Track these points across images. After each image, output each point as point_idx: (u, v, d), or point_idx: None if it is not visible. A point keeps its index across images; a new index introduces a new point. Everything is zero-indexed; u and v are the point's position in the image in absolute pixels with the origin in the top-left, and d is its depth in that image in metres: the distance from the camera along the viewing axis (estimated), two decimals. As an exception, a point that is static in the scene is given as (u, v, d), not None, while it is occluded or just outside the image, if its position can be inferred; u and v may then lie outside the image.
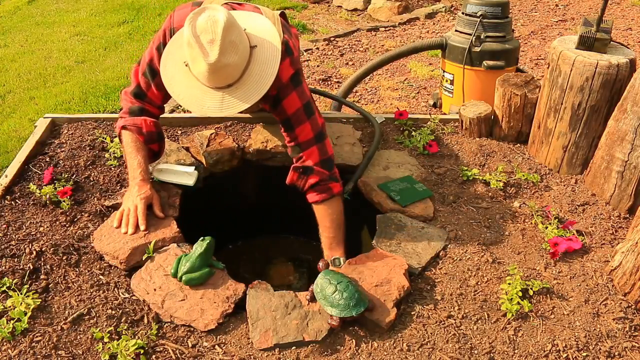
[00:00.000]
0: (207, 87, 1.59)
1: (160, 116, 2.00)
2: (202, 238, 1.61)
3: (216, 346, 1.40)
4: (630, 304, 1.53)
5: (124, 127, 1.85)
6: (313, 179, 1.80)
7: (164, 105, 1.98)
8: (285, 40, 1.73)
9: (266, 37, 1.66)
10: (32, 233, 1.71)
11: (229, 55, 1.52)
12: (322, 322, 1.44)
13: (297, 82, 1.78)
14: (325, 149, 1.83)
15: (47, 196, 1.82)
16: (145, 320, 1.45)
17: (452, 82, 3.55)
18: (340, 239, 1.77)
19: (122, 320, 1.44)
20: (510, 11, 4.43)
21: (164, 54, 1.69)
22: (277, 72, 1.61)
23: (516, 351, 1.40)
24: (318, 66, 5.04)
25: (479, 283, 1.59)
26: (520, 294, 1.52)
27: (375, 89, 4.60)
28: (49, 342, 1.36)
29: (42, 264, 1.59)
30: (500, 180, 2.00)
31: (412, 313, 1.50)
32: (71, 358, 1.34)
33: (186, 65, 1.60)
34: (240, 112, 2.40)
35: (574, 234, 1.75)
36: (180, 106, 4.13)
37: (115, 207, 1.82)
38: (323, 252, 1.76)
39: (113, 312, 1.46)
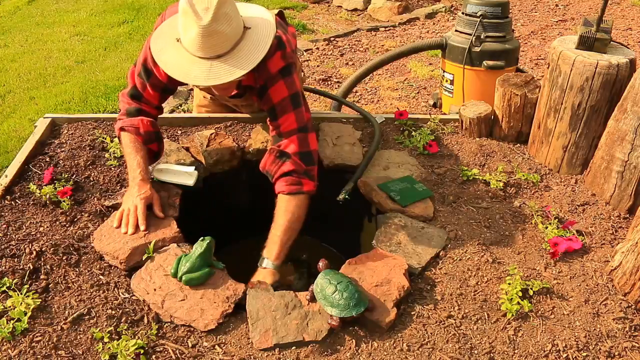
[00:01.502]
0: (195, 58, 1.59)
1: (160, 116, 2.00)
2: (202, 238, 1.61)
3: (216, 346, 1.40)
4: (630, 304, 1.53)
5: (122, 129, 1.86)
6: (287, 166, 1.73)
7: (162, 106, 1.98)
8: (278, 35, 1.74)
9: (261, 21, 1.68)
10: (32, 233, 1.71)
11: (221, 24, 1.54)
12: (322, 322, 1.44)
13: (286, 74, 1.76)
14: (307, 142, 1.78)
15: (47, 196, 1.82)
16: (145, 320, 1.45)
17: (452, 82, 3.55)
18: (285, 243, 1.67)
19: (122, 320, 1.44)
20: (510, 11, 4.42)
21: (156, 32, 1.70)
22: (268, 48, 1.61)
23: (516, 351, 1.40)
24: (318, 66, 5.04)
25: (479, 283, 1.59)
26: (520, 294, 1.52)
27: (375, 89, 4.60)
28: (49, 342, 1.36)
29: (42, 264, 1.59)
30: (500, 180, 2.00)
31: (412, 313, 1.50)
32: (71, 358, 1.34)
33: (178, 41, 1.61)
34: (240, 113, 2.40)
35: (574, 234, 1.75)
36: (180, 106, 4.14)
37: (115, 207, 1.82)
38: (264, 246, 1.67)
39: (113, 312, 1.46)
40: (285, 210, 1.71)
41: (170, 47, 1.64)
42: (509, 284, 1.55)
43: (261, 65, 1.68)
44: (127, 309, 1.48)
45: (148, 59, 1.81)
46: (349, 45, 5.61)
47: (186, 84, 2.17)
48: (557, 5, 6.82)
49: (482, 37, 3.30)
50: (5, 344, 1.35)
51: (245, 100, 2.22)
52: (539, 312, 1.50)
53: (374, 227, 1.81)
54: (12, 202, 1.83)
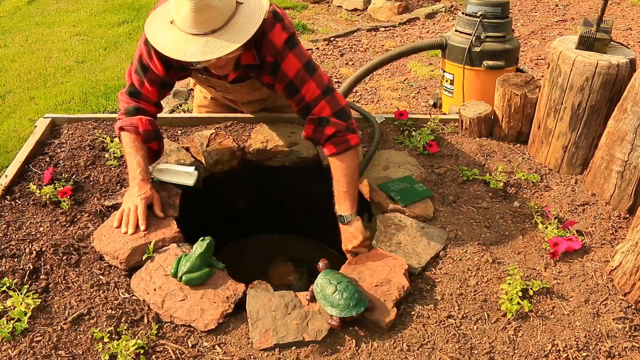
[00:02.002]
0: (190, 35, 1.58)
1: (161, 116, 2.00)
2: (202, 238, 1.61)
3: (216, 346, 1.40)
4: (630, 304, 1.53)
5: (121, 128, 1.86)
6: (329, 130, 1.77)
7: (162, 104, 1.98)
8: (272, 8, 1.74)
9: None
10: (32, 233, 1.70)
11: None
12: (322, 322, 1.44)
13: (292, 44, 1.77)
14: (337, 101, 1.81)
15: (47, 196, 1.82)
16: (145, 320, 1.45)
17: (452, 82, 3.55)
18: (353, 194, 1.75)
19: (122, 320, 1.44)
20: (510, 11, 4.42)
21: (149, 18, 1.70)
22: (261, 20, 1.61)
23: (516, 351, 1.40)
24: (318, 66, 5.03)
25: (479, 283, 1.59)
26: (520, 294, 1.52)
27: (375, 89, 4.60)
28: (49, 342, 1.36)
29: (42, 264, 1.59)
30: (500, 180, 2.00)
31: (412, 313, 1.50)
32: (71, 358, 1.34)
33: (172, 23, 1.61)
34: (241, 112, 2.40)
35: (574, 234, 1.75)
36: (180, 106, 4.14)
37: (115, 207, 1.82)
38: (335, 205, 1.76)
39: (113, 312, 1.46)
40: (342, 167, 1.76)
41: (164, 29, 1.63)
42: (509, 284, 1.55)
43: (264, 41, 1.68)
44: (127, 309, 1.48)
45: (144, 55, 1.81)
46: (349, 45, 5.61)
47: (185, 79, 2.16)
48: (557, 5, 6.82)
49: (482, 37, 3.30)
50: (5, 344, 1.35)
51: (247, 92, 2.19)
52: (539, 312, 1.50)
53: (374, 227, 1.81)
54: (12, 202, 1.83)
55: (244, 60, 1.80)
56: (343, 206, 1.74)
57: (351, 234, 1.71)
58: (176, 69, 1.86)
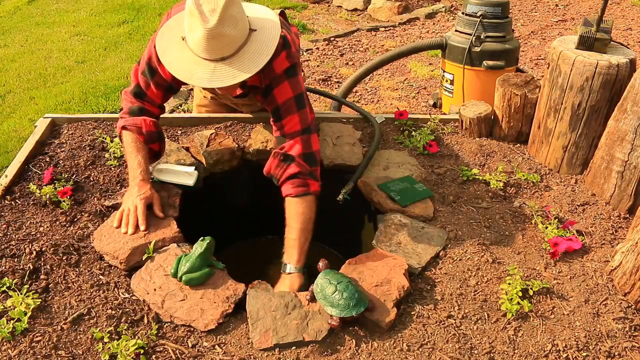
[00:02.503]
0: (200, 59, 1.58)
1: (161, 116, 2.00)
2: (202, 238, 1.61)
3: (216, 346, 1.40)
4: (630, 304, 1.53)
5: (124, 127, 1.85)
6: (292, 169, 1.74)
7: (165, 105, 1.98)
8: (283, 34, 1.74)
9: (267, 22, 1.68)
10: (32, 233, 1.70)
11: (227, 26, 1.53)
12: (322, 322, 1.44)
13: (291, 74, 1.76)
14: (310, 143, 1.78)
15: (47, 196, 1.82)
16: (145, 320, 1.45)
17: (452, 82, 3.55)
18: (302, 245, 1.68)
19: (122, 320, 1.44)
20: (510, 11, 4.42)
21: (162, 28, 1.69)
22: (272, 52, 1.61)
23: (516, 351, 1.40)
24: (318, 66, 5.04)
25: (479, 283, 1.59)
26: (520, 294, 1.52)
27: (375, 89, 4.60)
28: (49, 342, 1.36)
29: (42, 264, 1.59)
30: (500, 180, 2.00)
31: (412, 313, 1.50)
32: (71, 358, 1.34)
33: (183, 40, 1.61)
34: (241, 112, 2.40)
35: (574, 234, 1.75)
36: (180, 106, 4.14)
37: (115, 207, 1.82)
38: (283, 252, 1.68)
39: (113, 312, 1.46)
40: (297, 212, 1.71)
41: (175, 45, 1.63)
42: (509, 284, 1.55)
43: (267, 66, 1.68)
44: (127, 309, 1.48)
45: (153, 58, 1.80)
46: (349, 45, 5.61)
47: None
48: (557, 5, 6.82)
49: (482, 37, 3.30)
50: (5, 344, 1.35)
51: (248, 100, 2.21)
52: (539, 312, 1.50)
53: (374, 227, 1.81)
54: (12, 202, 1.83)
55: (250, 82, 1.79)
56: (289, 255, 1.67)
57: (285, 286, 1.63)
58: None
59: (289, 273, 1.66)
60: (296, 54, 1.82)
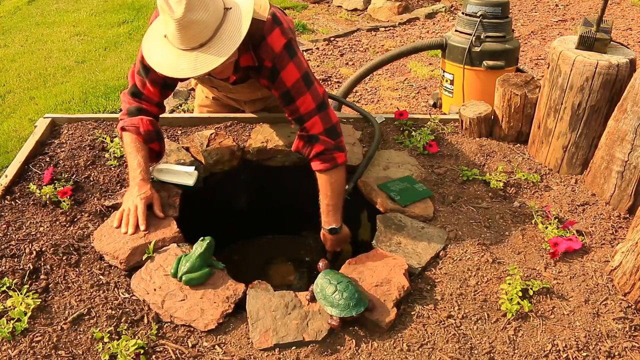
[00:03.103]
0: (181, 51, 1.58)
1: (161, 116, 2.00)
2: (202, 238, 1.61)
3: (216, 346, 1.40)
4: (630, 304, 1.53)
5: (123, 128, 1.86)
6: (318, 147, 1.80)
7: (164, 104, 1.98)
8: (272, 11, 1.72)
9: (242, 0, 1.65)
10: (32, 233, 1.70)
11: (197, 12, 1.52)
12: (322, 322, 1.44)
13: (292, 52, 1.76)
14: (329, 118, 1.82)
15: (47, 196, 1.82)
16: (145, 320, 1.45)
17: (452, 82, 3.55)
18: (339, 207, 1.84)
19: (122, 320, 1.44)
20: (510, 11, 4.42)
21: (146, 33, 1.70)
22: (247, 28, 1.58)
23: (516, 351, 1.40)
24: (318, 66, 5.04)
25: (479, 283, 1.59)
26: (520, 294, 1.52)
27: (375, 89, 4.60)
28: (49, 342, 1.36)
29: (42, 264, 1.59)
30: (500, 180, 2.00)
31: (412, 313, 1.50)
32: (71, 358, 1.34)
33: (165, 37, 1.60)
34: (244, 111, 2.40)
35: (574, 234, 1.75)
36: (180, 106, 4.14)
37: (115, 207, 1.82)
38: (321, 218, 1.85)
39: (113, 312, 1.46)
40: (327, 183, 1.82)
41: (158, 44, 1.63)
42: (509, 284, 1.55)
43: (262, 44, 1.67)
44: (127, 309, 1.47)
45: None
46: (349, 45, 5.60)
47: (187, 80, 2.17)
48: (557, 5, 6.82)
49: (482, 37, 3.30)
50: (5, 344, 1.35)
51: (248, 88, 2.18)
52: (539, 312, 1.50)
53: (374, 227, 1.81)
54: (12, 202, 1.83)
55: (242, 63, 1.78)
56: (333, 218, 1.84)
57: (342, 240, 1.92)
58: None
59: (337, 233, 1.87)
60: (290, 30, 1.80)
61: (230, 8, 1.61)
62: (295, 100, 1.77)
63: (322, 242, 1.96)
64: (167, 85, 1.89)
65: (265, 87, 1.90)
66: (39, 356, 1.33)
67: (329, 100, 1.92)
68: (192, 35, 1.54)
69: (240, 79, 1.96)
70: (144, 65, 1.81)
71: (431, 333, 1.44)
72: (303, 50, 5.33)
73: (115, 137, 2.17)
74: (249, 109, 2.39)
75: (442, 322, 1.47)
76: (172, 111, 4.04)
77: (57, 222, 1.75)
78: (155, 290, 1.52)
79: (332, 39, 5.72)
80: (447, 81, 3.60)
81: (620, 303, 1.53)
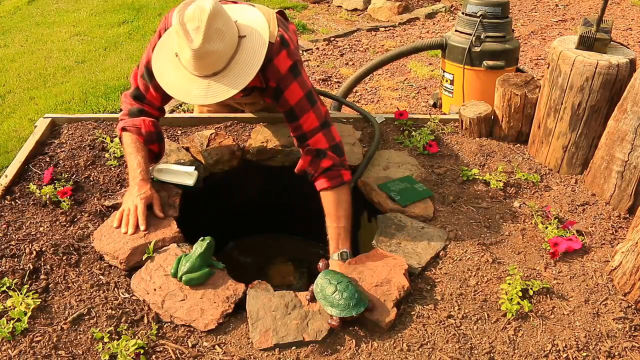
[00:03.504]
0: (194, 76, 1.59)
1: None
2: (202, 238, 1.61)
3: (216, 346, 1.40)
4: (630, 304, 1.53)
5: (123, 129, 1.86)
6: (326, 162, 1.77)
7: (164, 107, 1.98)
8: (280, 34, 1.74)
9: (256, 27, 1.67)
10: (32, 233, 1.70)
11: (214, 42, 1.54)
12: (322, 322, 1.44)
13: (296, 73, 1.77)
14: (332, 135, 1.81)
15: (47, 196, 1.82)
16: (145, 320, 1.45)
17: (452, 82, 3.55)
18: (349, 230, 1.72)
19: (122, 320, 1.44)
20: (510, 11, 4.42)
21: (157, 45, 1.70)
22: (262, 60, 1.61)
23: (516, 351, 1.40)
24: (318, 66, 5.04)
25: (479, 283, 1.59)
26: (520, 294, 1.52)
27: (375, 89, 4.60)
28: (49, 342, 1.36)
29: (42, 264, 1.59)
30: (500, 180, 2.00)
31: (412, 313, 1.50)
32: (71, 358, 1.34)
33: (176, 56, 1.62)
34: (243, 111, 2.40)
35: (574, 234, 1.75)
36: (180, 106, 4.14)
37: (115, 207, 1.82)
38: (329, 244, 1.69)
39: (113, 312, 1.46)
40: (335, 202, 1.74)
41: (170, 65, 1.64)
42: (509, 284, 1.55)
43: (269, 66, 1.68)
44: (127, 309, 1.48)
45: (151, 61, 1.80)
46: (349, 45, 5.60)
47: None
48: (557, 5, 6.82)
49: (482, 37, 3.30)
50: (5, 344, 1.35)
51: (252, 98, 2.20)
52: (539, 312, 1.50)
53: (374, 227, 1.81)
54: (12, 202, 1.83)
55: (250, 84, 1.80)
56: (344, 242, 1.69)
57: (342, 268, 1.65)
58: None
59: (346, 259, 1.65)
60: (296, 52, 1.82)
61: (245, 36, 1.64)
62: (299, 118, 1.78)
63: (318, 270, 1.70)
64: None
65: (270, 104, 1.91)
66: (39, 356, 1.33)
67: (332, 102, 1.93)
68: (206, 65, 1.56)
69: (244, 94, 1.98)
70: (149, 71, 1.81)
71: (431, 333, 1.44)
72: (303, 51, 5.32)
73: (116, 137, 2.17)
74: (249, 109, 2.39)
75: (442, 322, 1.47)
76: (172, 111, 4.04)
77: (57, 222, 1.76)
78: (155, 290, 1.52)
79: (332, 39, 5.71)
80: (447, 81, 3.59)
81: (620, 303, 1.53)
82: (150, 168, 1.92)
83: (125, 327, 1.42)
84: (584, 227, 1.82)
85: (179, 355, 1.36)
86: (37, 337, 1.38)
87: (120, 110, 1.93)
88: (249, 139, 2.20)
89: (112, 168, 2.03)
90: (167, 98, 1.92)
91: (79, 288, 1.53)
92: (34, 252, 1.61)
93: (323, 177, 1.77)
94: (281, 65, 1.73)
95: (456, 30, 3.47)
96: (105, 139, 2.18)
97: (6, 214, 1.78)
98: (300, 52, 5.23)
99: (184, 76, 1.61)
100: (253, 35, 1.65)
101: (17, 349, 1.34)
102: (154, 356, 1.36)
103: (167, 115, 2.32)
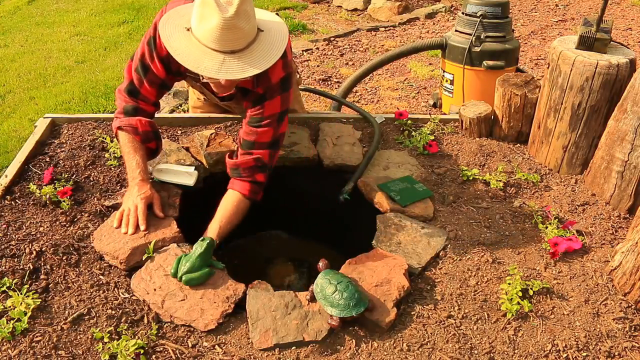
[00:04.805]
0: (208, 49, 1.58)
1: (161, 116, 1.99)
2: (202, 238, 1.61)
3: (216, 346, 1.40)
4: (630, 304, 1.53)
5: (119, 128, 1.85)
6: (260, 177, 1.83)
7: (160, 102, 1.97)
8: None
9: (274, 25, 1.70)
10: (32, 233, 1.70)
11: (242, 20, 1.54)
12: (322, 322, 1.44)
13: (285, 87, 1.80)
14: (274, 157, 1.87)
15: (47, 196, 1.82)
16: (145, 320, 1.45)
17: (452, 82, 3.55)
18: (224, 234, 1.73)
19: (122, 320, 1.44)
20: (510, 11, 4.42)
21: (163, 18, 1.68)
22: (282, 51, 1.64)
23: (516, 351, 1.40)
24: (318, 66, 5.04)
25: (479, 283, 1.59)
26: (520, 294, 1.52)
27: (375, 89, 4.60)
28: (49, 342, 1.36)
29: (42, 264, 1.59)
30: (500, 180, 2.00)
31: (412, 313, 1.50)
32: (71, 358, 1.34)
33: (188, 30, 1.60)
34: (239, 112, 2.40)
35: (574, 234, 1.75)
36: (180, 106, 4.13)
37: (115, 207, 1.82)
38: (207, 228, 1.73)
39: (113, 312, 1.46)
40: (237, 208, 1.79)
41: (179, 34, 1.62)
42: (509, 284, 1.55)
43: (263, 72, 1.69)
44: (127, 309, 1.47)
45: (145, 55, 1.79)
46: (349, 45, 5.60)
47: (181, 81, 2.17)
48: (557, 5, 6.82)
49: (482, 37, 3.30)
50: (5, 344, 1.35)
51: (235, 103, 2.21)
52: (539, 312, 1.50)
53: (374, 227, 1.81)
54: (12, 202, 1.83)
55: (242, 83, 1.79)
56: (216, 232, 1.70)
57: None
58: (174, 73, 1.85)
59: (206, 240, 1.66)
60: (291, 63, 1.85)
61: (263, 31, 1.65)
62: (260, 127, 1.81)
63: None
64: (164, 85, 1.88)
65: (244, 107, 1.91)
66: (39, 356, 1.33)
67: (332, 102, 1.93)
68: (229, 39, 1.55)
69: (228, 96, 1.98)
70: (143, 64, 1.81)
71: (431, 333, 1.44)
72: (303, 51, 5.33)
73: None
74: (238, 111, 2.39)
75: (442, 322, 1.47)
76: (172, 111, 4.04)
77: (57, 222, 1.75)
78: (155, 290, 1.52)
79: (332, 39, 5.71)
80: (447, 81, 3.60)
81: (620, 303, 1.53)
82: (150, 168, 1.91)
83: (125, 327, 1.42)
84: (584, 227, 1.82)
85: (179, 355, 1.36)
86: (37, 337, 1.38)
87: (116, 107, 1.92)
88: (249, 139, 2.20)
89: (112, 168, 2.03)
90: (161, 92, 1.91)
91: (79, 288, 1.53)
92: (34, 252, 1.61)
93: (248, 184, 1.82)
94: (274, 75, 1.75)
95: (456, 30, 3.47)
96: (105, 139, 2.18)
97: (6, 214, 1.78)
98: (299, 53, 5.23)
99: (196, 47, 1.59)
100: (272, 31, 1.67)
101: (17, 349, 1.34)
102: (154, 356, 1.36)
103: (167, 115, 2.33)
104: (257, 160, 1.82)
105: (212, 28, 1.53)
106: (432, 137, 2.26)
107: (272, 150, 1.84)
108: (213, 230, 1.70)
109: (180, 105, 4.16)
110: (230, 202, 1.79)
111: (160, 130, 1.95)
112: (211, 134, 2.18)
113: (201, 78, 1.68)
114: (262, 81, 1.75)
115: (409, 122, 2.38)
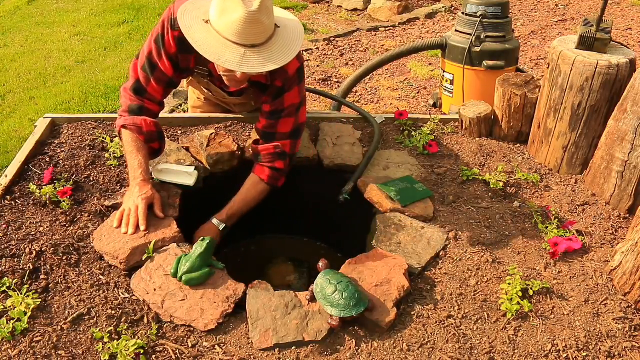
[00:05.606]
0: (229, 42, 1.59)
1: (161, 116, 1.99)
2: (202, 238, 1.61)
3: (216, 346, 1.40)
4: (630, 304, 1.53)
5: (123, 126, 1.85)
6: (280, 164, 1.91)
7: (164, 102, 1.97)
8: None
9: (289, 22, 1.75)
10: (32, 233, 1.70)
11: (264, 14, 1.58)
12: (322, 322, 1.44)
13: (301, 78, 1.86)
14: (296, 146, 1.96)
15: (47, 196, 1.82)
16: (145, 320, 1.45)
17: (452, 82, 3.55)
18: (239, 215, 1.90)
19: (122, 320, 1.44)
20: (510, 11, 4.42)
21: (181, 9, 1.68)
22: (300, 46, 1.70)
23: (516, 351, 1.40)
24: (318, 66, 5.04)
25: (479, 283, 1.59)
26: (520, 294, 1.52)
27: (375, 89, 4.60)
28: (49, 342, 1.36)
29: (42, 264, 1.59)
30: (500, 180, 2.00)
31: (412, 313, 1.50)
32: (71, 358, 1.34)
33: (206, 22, 1.62)
34: (235, 112, 2.40)
35: (574, 234, 1.75)
36: (180, 106, 4.13)
37: (115, 207, 1.82)
38: (223, 209, 1.88)
39: (113, 312, 1.46)
40: (256, 192, 1.93)
41: (198, 26, 1.63)
42: (509, 284, 1.55)
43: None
44: (127, 309, 1.47)
45: (153, 53, 1.79)
46: (349, 45, 5.60)
47: (188, 78, 2.16)
48: (557, 5, 6.82)
49: (482, 37, 3.30)
50: (5, 344, 1.35)
51: (243, 99, 2.21)
52: (539, 312, 1.50)
53: (374, 227, 1.81)
54: (12, 202, 1.83)
55: (255, 77, 1.82)
56: (230, 219, 1.87)
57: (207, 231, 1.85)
58: (182, 70, 1.86)
59: (213, 223, 1.86)
60: (302, 56, 1.89)
61: (280, 27, 1.68)
62: (281, 119, 1.87)
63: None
64: (171, 83, 1.89)
65: (262, 102, 1.92)
66: (39, 356, 1.33)
67: (332, 102, 1.96)
68: (251, 33, 1.58)
69: (238, 91, 1.98)
70: (151, 62, 1.80)
71: (431, 333, 1.44)
72: (303, 50, 5.33)
73: (116, 137, 2.17)
74: (239, 111, 2.39)
75: (442, 322, 1.47)
76: (172, 111, 4.04)
77: (57, 222, 1.75)
78: (155, 290, 1.52)
79: (332, 39, 5.72)
80: (447, 81, 3.60)
81: (620, 303, 1.53)
82: (151, 168, 1.91)
83: (125, 327, 1.42)
84: (584, 227, 1.82)
85: (179, 355, 1.36)
86: (37, 337, 1.38)
87: (120, 105, 1.91)
88: (249, 139, 2.20)
89: (112, 168, 2.03)
90: (168, 90, 1.92)
91: (79, 288, 1.53)
92: (34, 252, 1.61)
93: (268, 170, 1.91)
94: (290, 67, 1.78)
95: (456, 30, 3.47)
96: (105, 139, 2.18)
97: (6, 214, 1.78)
98: (301, 52, 5.24)
99: (216, 39, 1.60)
100: (288, 27, 1.71)
101: (17, 349, 1.34)
102: (154, 356, 1.36)
103: (167, 115, 2.32)
104: (277, 147, 1.88)
105: (235, 21, 1.55)
106: (432, 137, 2.26)
107: (293, 140, 1.91)
108: (227, 206, 1.86)
109: (180, 105, 4.16)
110: (248, 184, 1.92)
111: (163, 131, 1.95)
112: (211, 134, 2.18)
113: (217, 72, 1.70)
114: (279, 74, 1.78)
115: (409, 122, 2.38)
